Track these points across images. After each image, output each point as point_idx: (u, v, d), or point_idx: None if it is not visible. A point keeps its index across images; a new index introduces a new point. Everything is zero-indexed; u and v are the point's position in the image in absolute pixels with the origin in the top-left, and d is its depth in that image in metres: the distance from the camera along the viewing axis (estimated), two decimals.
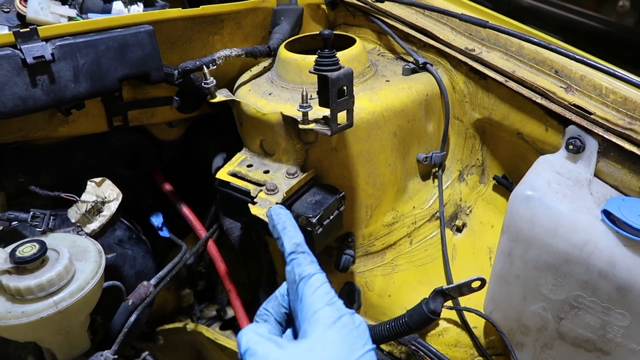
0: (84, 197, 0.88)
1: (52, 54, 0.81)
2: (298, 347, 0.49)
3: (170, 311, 1.43)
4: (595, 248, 0.75)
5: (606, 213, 0.75)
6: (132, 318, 0.92)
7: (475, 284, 0.74)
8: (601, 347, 0.80)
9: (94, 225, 0.88)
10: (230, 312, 1.38)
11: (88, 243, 0.86)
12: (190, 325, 1.23)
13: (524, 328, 0.89)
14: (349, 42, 1.02)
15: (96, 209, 0.88)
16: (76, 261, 0.81)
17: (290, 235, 0.57)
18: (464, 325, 0.97)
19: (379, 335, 0.84)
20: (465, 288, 0.74)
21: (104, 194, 0.89)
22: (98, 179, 0.91)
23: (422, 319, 0.77)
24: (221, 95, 0.96)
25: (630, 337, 0.76)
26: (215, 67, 0.96)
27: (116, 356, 0.85)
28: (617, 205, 0.75)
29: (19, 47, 0.79)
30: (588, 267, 0.76)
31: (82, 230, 0.90)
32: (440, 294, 0.76)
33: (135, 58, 0.90)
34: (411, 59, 1.08)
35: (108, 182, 0.92)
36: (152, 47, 0.92)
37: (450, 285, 0.75)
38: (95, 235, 0.90)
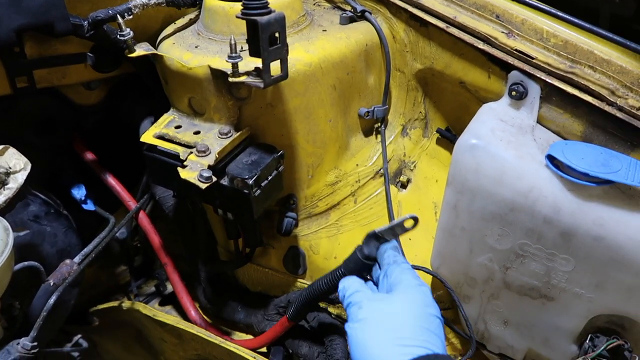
0: None
1: None
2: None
3: (104, 290, 1.33)
4: (540, 194, 0.73)
5: (550, 158, 0.74)
6: (52, 300, 0.83)
7: (409, 223, 0.69)
8: (546, 294, 0.80)
9: None
10: (170, 287, 1.30)
11: None
12: (126, 303, 1.14)
13: (470, 280, 0.88)
14: None
15: (0, 180, 0.77)
16: None
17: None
18: None
19: (318, 290, 0.79)
20: (399, 228, 0.69)
21: (7, 163, 0.78)
22: None
23: (357, 265, 0.73)
24: (141, 49, 0.87)
25: (574, 282, 0.76)
26: (131, 16, 0.86)
27: (35, 343, 0.76)
28: (561, 149, 0.73)
29: None
30: (533, 214, 0.74)
31: None
32: (374, 238, 0.72)
33: (34, 5, 0.78)
34: (349, 8, 1.01)
35: (12, 150, 0.80)
36: None
37: (383, 227, 0.71)
38: (2, 211, 0.79)
